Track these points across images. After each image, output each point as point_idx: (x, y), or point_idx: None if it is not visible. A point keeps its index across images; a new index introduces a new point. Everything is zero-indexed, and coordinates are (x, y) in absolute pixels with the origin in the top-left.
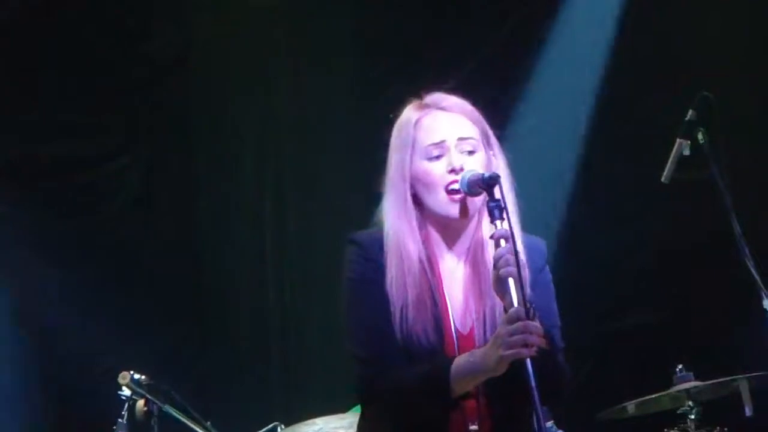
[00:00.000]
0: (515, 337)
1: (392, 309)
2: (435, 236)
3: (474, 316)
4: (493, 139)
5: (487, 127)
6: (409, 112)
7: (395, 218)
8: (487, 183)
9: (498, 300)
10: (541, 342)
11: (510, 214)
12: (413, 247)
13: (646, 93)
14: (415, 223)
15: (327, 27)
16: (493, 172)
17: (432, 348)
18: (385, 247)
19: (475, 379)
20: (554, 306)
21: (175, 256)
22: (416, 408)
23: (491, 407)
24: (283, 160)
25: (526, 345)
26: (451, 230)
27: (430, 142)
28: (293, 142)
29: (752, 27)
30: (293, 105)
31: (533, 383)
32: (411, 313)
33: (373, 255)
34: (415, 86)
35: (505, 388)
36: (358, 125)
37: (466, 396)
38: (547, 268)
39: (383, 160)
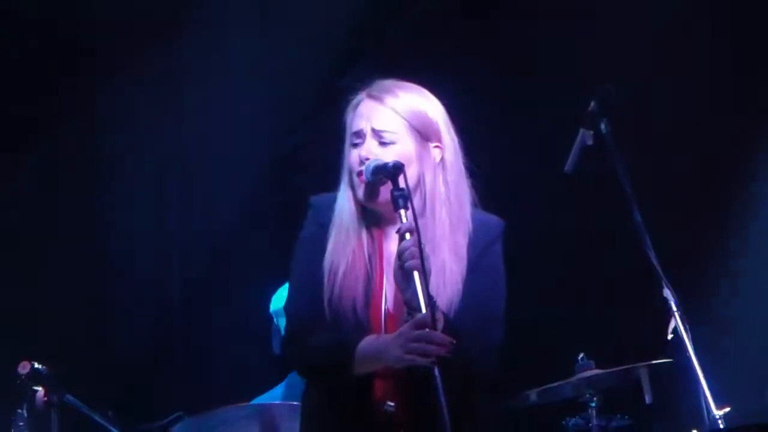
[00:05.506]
0: (416, 345)
1: (325, 277)
2: (383, 218)
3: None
4: (440, 133)
5: (431, 120)
6: (355, 97)
7: (340, 192)
8: (391, 172)
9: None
10: (441, 352)
11: (413, 203)
12: (352, 225)
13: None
14: (355, 201)
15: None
16: (397, 161)
17: (358, 321)
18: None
19: (375, 363)
20: (494, 294)
21: (76, 246)
22: (319, 374)
23: (409, 388)
24: (187, 150)
25: (424, 354)
26: (388, 214)
27: (351, 131)
28: (197, 134)
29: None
30: (197, 99)
31: (438, 387)
32: (341, 284)
33: (325, 219)
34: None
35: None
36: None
37: (387, 374)
38: (497, 247)
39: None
